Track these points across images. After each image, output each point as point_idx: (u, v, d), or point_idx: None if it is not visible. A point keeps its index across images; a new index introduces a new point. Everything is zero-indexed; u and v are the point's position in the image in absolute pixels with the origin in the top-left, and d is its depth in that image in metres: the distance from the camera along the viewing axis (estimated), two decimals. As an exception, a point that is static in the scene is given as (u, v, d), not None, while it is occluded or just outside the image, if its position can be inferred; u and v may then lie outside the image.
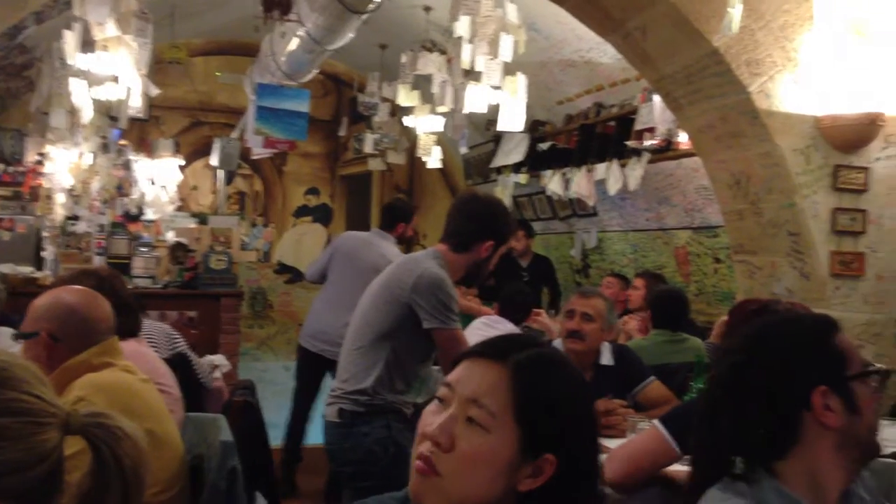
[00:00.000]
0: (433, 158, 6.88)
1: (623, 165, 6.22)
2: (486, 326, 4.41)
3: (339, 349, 3.03)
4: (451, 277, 2.87)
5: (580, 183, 6.68)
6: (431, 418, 1.21)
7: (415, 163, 8.58)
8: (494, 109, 5.45)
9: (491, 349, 1.25)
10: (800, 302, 2.77)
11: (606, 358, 3.49)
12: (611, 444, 2.82)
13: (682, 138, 5.53)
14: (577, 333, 3.38)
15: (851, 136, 4.13)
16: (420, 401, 2.94)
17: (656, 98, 5.46)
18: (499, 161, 8.12)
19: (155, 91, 5.05)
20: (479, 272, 2.98)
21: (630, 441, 2.58)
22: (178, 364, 3.22)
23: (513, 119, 5.35)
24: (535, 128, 7.77)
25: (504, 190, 7.99)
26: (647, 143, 5.81)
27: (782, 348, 1.43)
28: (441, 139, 7.06)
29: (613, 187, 6.28)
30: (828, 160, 4.17)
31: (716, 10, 3.80)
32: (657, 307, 4.12)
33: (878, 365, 1.43)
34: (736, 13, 3.47)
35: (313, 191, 10.07)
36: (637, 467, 2.36)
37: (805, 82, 4.10)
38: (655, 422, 2.41)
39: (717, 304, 6.39)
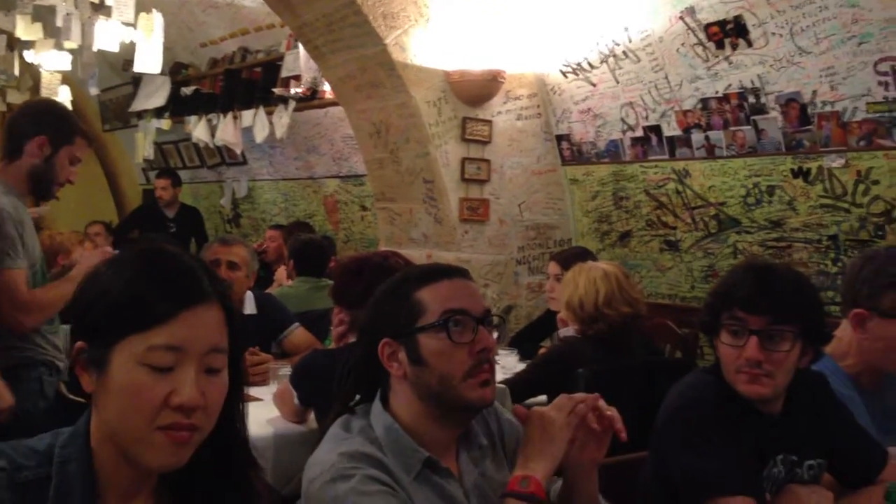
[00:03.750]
0: (61, 99, 6.23)
1: (270, 113, 6.15)
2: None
3: None
4: (18, 190, 2.61)
5: (226, 130, 6.49)
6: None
7: (41, 104, 7.73)
8: (131, 49, 5.08)
9: None
10: (395, 250, 2.96)
11: (249, 307, 3.44)
12: (255, 392, 2.84)
13: (328, 87, 5.59)
14: None
15: (477, 90, 4.46)
16: None
17: (302, 46, 5.45)
18: (138, 105, 7.60)
19: None
20: (45, 179, 2.67)
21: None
22: None
23: (150, 60, 5.02)
24: (177, 70, 7.38)
25: (146, 136, 7.51)
26: (294, 90, 5.80)
27: (371, 304, 1.52)
28: (69, 78, 6.43)
29: (260, 135, 6.19)
30: (457, 113, 4.48)
31: (353, -40, 3.85)
32: (300, 256, 4.16)
33: (460, 316, 1.41)
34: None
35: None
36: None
37: (436, 38, 4.34)
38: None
39: (364, 251, 6.63)
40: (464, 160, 4.51)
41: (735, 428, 1.63)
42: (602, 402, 1.42)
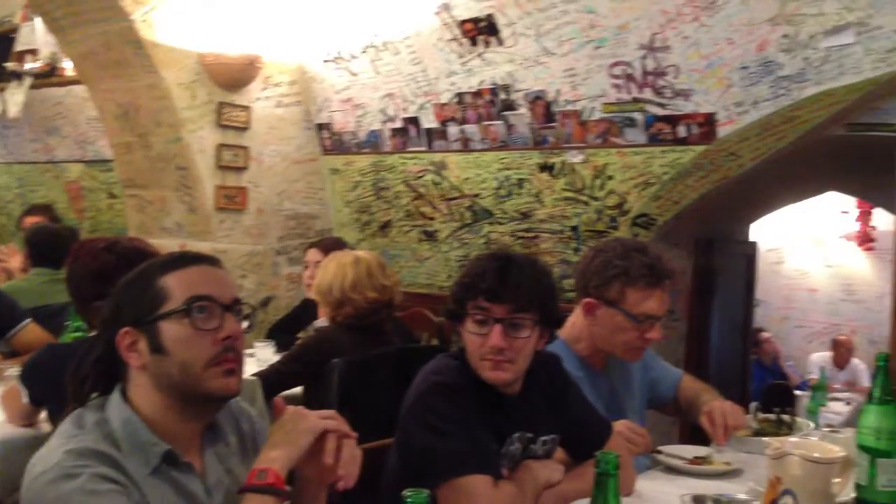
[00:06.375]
0: None
1: (2, 90, 5.60)
2: None
3: None
4: None
5: (-52, 106, 5.82)
6: None
7: None
8: None
9: None
10: (138, 238, 2.81)
11: (-27, 304, 3.11)
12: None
13: (69, 64, 5.18)
14: None
15: (234, 75, 4.31)
16: None
17: (38, 17, 5.00)
18: None
19: None
20: None
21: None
22: None
23: None
24: None
25: None
26: (29, 66, 5.32)
27: (113, 293, 1.41)
28: None
29: (-10, 113, 5.62)
30: (212, 97, 4.30)
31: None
32: (35, 245, 3.79)
33: (205, 302, 1.34)
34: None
35: None
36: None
37: (189, 17, 4.13)
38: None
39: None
40: (220, 147, 4.35)
41: (476, 410, 1.68)
42: (353, 442, 1.37)
